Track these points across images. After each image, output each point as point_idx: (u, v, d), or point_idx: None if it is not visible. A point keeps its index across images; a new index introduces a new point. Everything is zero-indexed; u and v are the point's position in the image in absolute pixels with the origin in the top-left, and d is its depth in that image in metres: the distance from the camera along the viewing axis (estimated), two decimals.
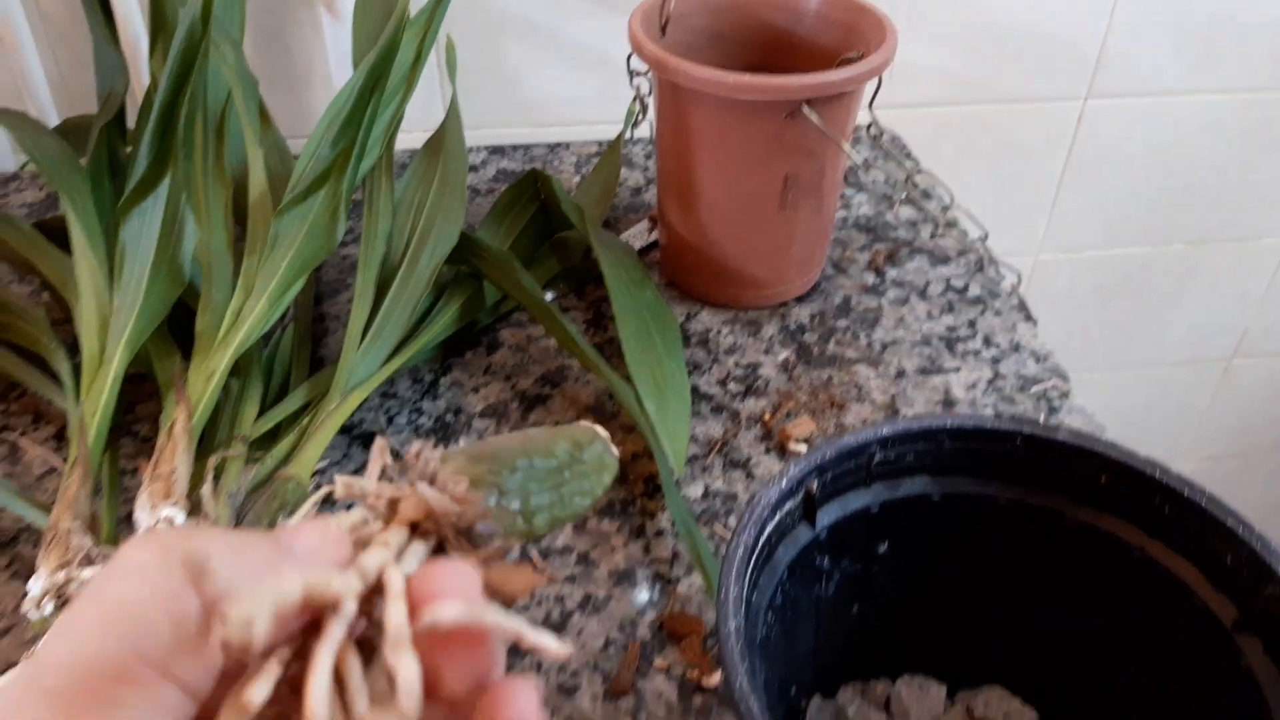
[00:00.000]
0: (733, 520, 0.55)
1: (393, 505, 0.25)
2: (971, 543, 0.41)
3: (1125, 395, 1.26)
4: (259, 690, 0.21)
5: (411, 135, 0.90)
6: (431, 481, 0.25)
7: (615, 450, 0.30)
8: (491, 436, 0.25)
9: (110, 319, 0.51)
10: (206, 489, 0.45)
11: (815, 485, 0.38)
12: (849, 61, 0.65)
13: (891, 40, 0.62)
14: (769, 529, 0.36)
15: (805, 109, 0.59)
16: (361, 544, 0.24)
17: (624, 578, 0.51)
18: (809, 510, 0.38)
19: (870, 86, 0.65)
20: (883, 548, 0.41)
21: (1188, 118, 1.02)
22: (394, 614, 0.22)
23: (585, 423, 0.30)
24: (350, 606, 0.22)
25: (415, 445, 0.26)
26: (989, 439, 0.40)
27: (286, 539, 0.23)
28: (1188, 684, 0.38)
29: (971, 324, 0.68)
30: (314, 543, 0.24)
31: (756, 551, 0.35)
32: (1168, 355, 1.23)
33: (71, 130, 0.77)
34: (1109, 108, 1.00)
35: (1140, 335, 1.21)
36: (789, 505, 0.37)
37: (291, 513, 0.47)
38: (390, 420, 0.60)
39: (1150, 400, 1.27)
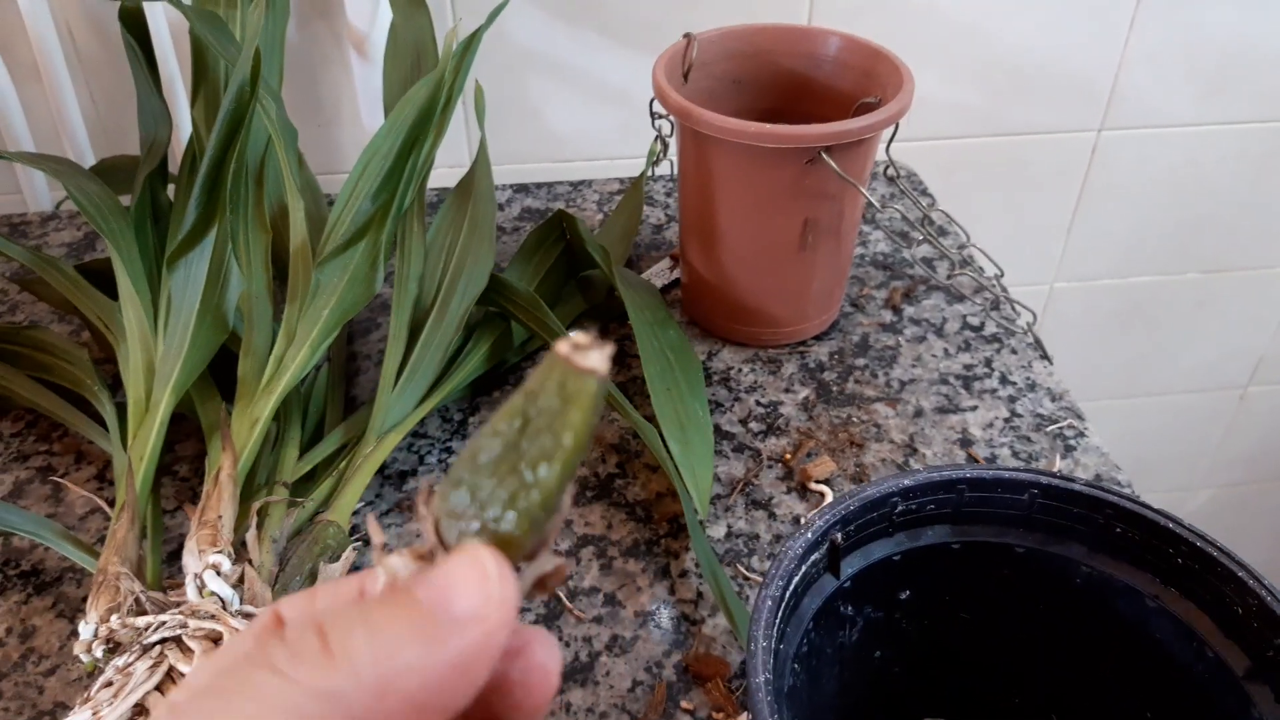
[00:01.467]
0: (755, 561, 0.56)
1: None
2: (990, 590, 0.43)
3: (1141, 423, 1.27)
4: None
5: (437, 171, 0.92)
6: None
7: (589, 359, 0.20)
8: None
9: (156, 365, 0.53)
10: (250, 535, 0.46)
11: (840, 536, 0.39)
12: (866, 105, 0.67)
13: (908, 87, 0.63)
14: (795, 581, 0.37)
15: (824, 155, 0.61)
16: None
17: (650, 618, 0.53)
18: (834, 561, 0.40)
19: (887, 130, 0.67)
20: (904, 595, 0.43)
21: (1200, 148, 1.04)
22: None
23: (557, 343, 0.21)
24: None
25: (421, 489, 0.22)
26: (1007, 488, 0.41)
27: (440, 603, 0.19)
28: None
29: (988, 362, 0.70)
30: (474, 602, 0.19)
31: (784, 603, 0.36)
32: (1183, 383, 1.24)
33: (109, 171, 0.80)
34: (1122, 139, 1.02)
35: (1155, 363, 1.22)
36: (814, 557, 0.38)
37: (333, 558, 0.48)
38: (421, 460, 0.62)
39: (1166, 428, 1.28)
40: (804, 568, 0.38)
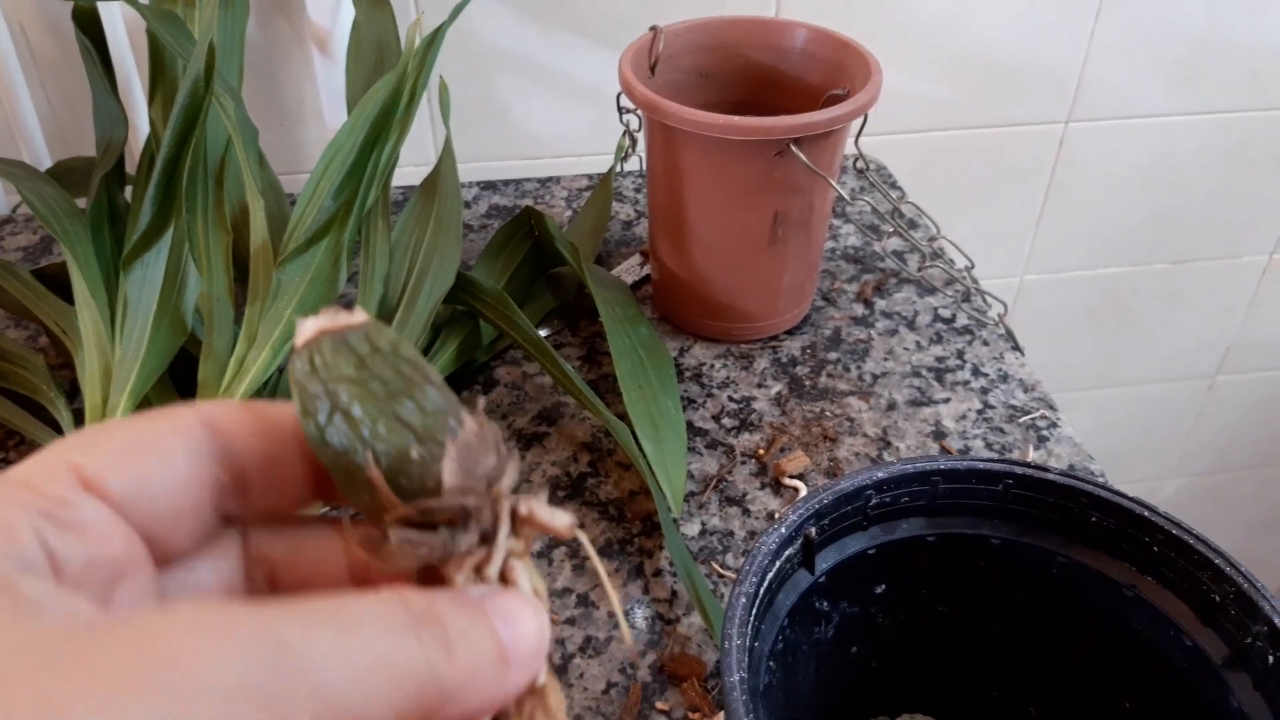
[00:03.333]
0: (730, 558, 0.55)
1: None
2: (967, 582, 0.42)
3: (1112, 414, 1.27)
4: None
5: (403, 170, 0.91)
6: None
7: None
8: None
9: (114, 370, 0.51)
10: None
11: (814, 531, 0.39)
12: (835, 97, 0.66)
13: (876, 78, 0.63)
14: (769, 577, 0.37)
15: (793, 147, 0.60)
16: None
17: (624, 618, 0.52)
18: (808, 556, 0.39)
19: (856, 122, 0.66)
20: (880, 589, 0.42)
21: (1167, 139, 1.04)
22: None
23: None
24: None
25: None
26: (981, 479, 0.41)
27: (514, 642, 0.19)
28: None
29: (960, 354, 0.69)
30: (535, 635, 0.20)
31: (758, 600, 0.36)
32: (1153, 373, 1.24)
33: (66, 172, 0.78)
34: (1090, 130, 1.02)
35: (1125, 354, 1.22)
36: (788, 552, 0.38)
37: None
38: None
39: (1137, 418, 1.29)
40: (778, 563, 0.37)
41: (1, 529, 0.17)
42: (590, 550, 0.21)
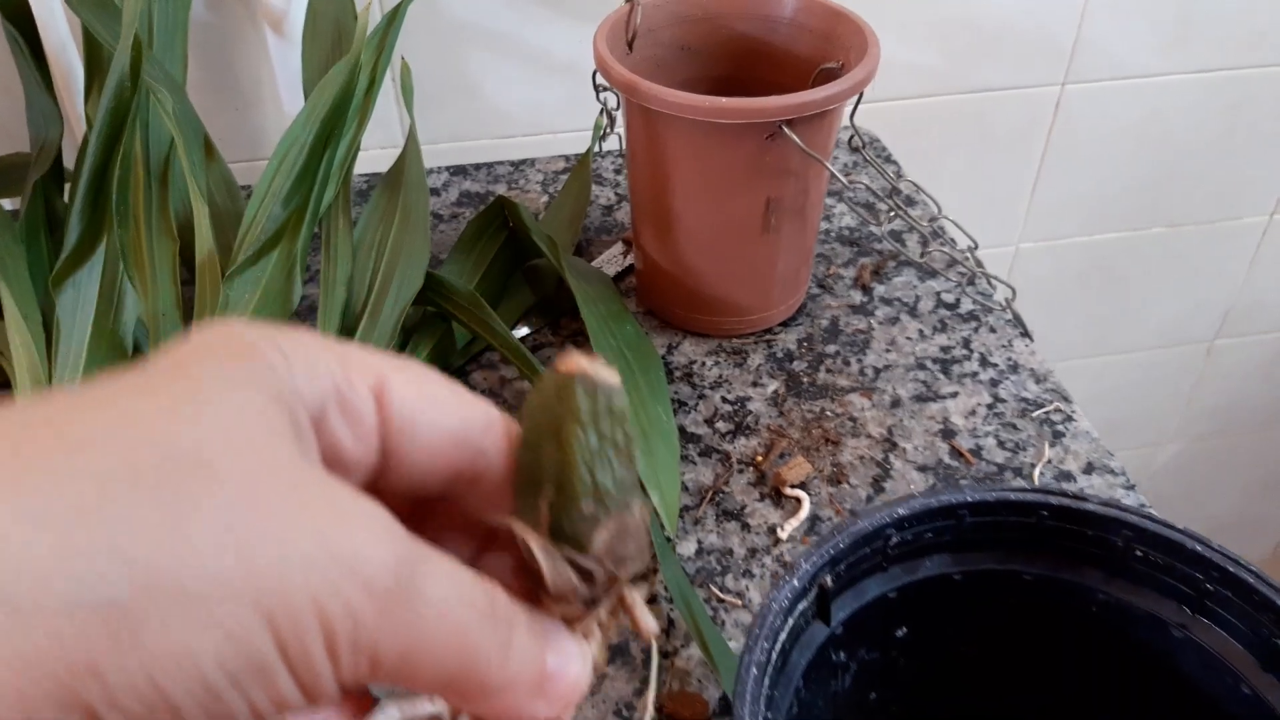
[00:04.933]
0: (730, 580, 0.51)
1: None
2: (996, 622, 0.38)
3: (1111, 380, 1.24)
4: None
5: (369, 153, 0.86)
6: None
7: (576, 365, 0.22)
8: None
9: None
10: None
11: (829, 579, 0.35)
12: (827, 71, 0.62)
13: (874, 50, 0.58)
14: (782, 638, 0.33)
15: (786, 130, 0.56)
16: None
17: (619, 653, 0.48)
18: (823, 607, 0.35)
19: (852, 100, 0.62)
20: (901, 632, 0.38)
21: (1164, 100, 1.00)
22: None
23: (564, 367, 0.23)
24: None
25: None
26: (1012, 511, 0.37)
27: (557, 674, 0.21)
28: None
29: (966, 343, 0.65)
30: (574, 683, 0.22)
31: (770, 666, 0.32)
32: (1151, 338, 1.21)
33: (4, 171, 0.72)
34: (1086, 92, 0.98)
35: (1123, 319, 1.19)
36: (802, 606, 0.34)
37: None
38: None
39: (1136, 384, 1.26)
40: (791, 620, 0.33)
41: (314, 371, 0.19)
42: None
